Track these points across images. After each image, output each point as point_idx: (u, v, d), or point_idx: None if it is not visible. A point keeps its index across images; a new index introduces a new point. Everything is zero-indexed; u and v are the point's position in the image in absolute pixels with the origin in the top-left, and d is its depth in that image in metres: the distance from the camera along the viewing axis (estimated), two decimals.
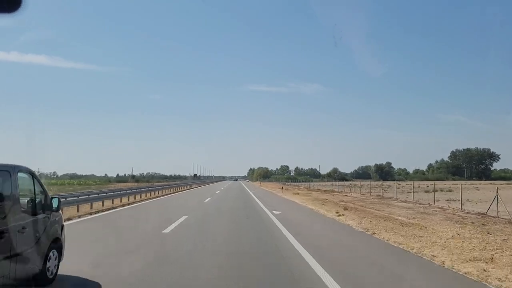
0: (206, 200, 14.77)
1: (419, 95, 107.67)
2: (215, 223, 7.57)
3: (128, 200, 13.49)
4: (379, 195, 17.61)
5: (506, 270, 3.64)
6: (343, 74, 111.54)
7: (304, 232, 6.21)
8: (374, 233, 6.12)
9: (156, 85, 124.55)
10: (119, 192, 13.58)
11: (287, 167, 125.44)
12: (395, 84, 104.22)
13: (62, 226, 3.50)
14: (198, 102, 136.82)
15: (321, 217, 8.85)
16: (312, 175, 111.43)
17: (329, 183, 45.34)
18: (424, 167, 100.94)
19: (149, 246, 4.83)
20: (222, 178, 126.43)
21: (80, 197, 9.70)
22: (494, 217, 9.09)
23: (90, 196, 10.46)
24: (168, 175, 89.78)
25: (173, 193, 21.39)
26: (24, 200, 2.77)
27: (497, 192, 9.64)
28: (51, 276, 3.01)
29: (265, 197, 17.52)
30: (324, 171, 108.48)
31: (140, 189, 17.27)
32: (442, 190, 22.66)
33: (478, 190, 25.43)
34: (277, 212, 9.60)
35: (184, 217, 8.01)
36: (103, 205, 10.94)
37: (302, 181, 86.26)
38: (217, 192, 23.98)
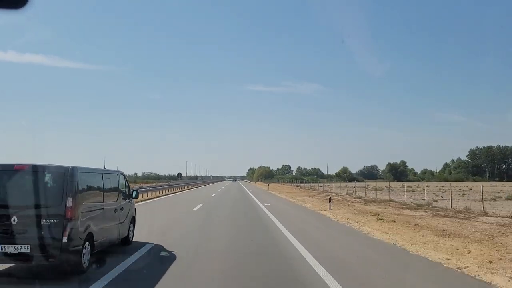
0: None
1: (418, 95, 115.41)
2: None
3: None
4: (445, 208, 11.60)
5: None
6: (343, 73, 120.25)
7: None
8: None
9: (154, 85, 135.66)
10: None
11: (289, 166, 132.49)
12: (395, 84, 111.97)
13: (135, 208, 6.01)
14: (197, 102, 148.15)
15: None
16: (316, 175, 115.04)
17: (341, 184, 43.20)
18: (427, 167, 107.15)
19: None
20: (221, 178, 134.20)
21: None
22: None
23: None
24: (162, 175, 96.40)
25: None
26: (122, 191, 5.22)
27: None
28: (131, 239, 5.58)
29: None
30: (330, 171, 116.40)
31: None
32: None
33: None
34: None
35: None
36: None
37: (308, 182, 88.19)
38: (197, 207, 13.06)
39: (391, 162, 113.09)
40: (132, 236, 5.67)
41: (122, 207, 5.17)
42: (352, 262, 4.68)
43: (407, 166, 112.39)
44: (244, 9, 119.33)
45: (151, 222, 7.67)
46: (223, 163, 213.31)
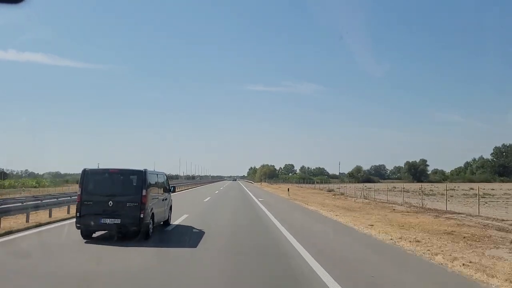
0: None
1: (417, 95, 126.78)
2: None
3: None
4: None
5: None
6: (343, 73, 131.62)
7: None
8: None
9: (154, 84, 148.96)
10: None
11: (292, 166, 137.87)
12: (394, 83, 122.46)
13: (171, 199, 9.14)
14: (197, 102, 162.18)
15: None
16: (321, 174, 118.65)
17: (356, 185, 40.46)
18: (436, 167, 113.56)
19: None
20: (220, 178, 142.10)
21: None
22: None
23: None
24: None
25: None
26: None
27: None
28: (169, 221, 8.92)
29: None
30: (332, 170, 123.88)
31: None
32: None
33: None
34: None
35: None
36: None
37: (318, 182, 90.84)
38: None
39: (410, 161, 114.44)
40: (170, 219, 8.94)
41: (166, 198, 8.45)
42: None
43: (428, 165, 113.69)
44: (244, 9, 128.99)
45: None
46: (222, 163, 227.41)
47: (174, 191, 9.56)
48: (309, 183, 69.87)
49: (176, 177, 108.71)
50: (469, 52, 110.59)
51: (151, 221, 7.19)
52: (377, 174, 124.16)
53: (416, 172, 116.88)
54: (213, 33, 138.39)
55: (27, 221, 9.11)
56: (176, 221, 9.64)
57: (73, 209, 9.51)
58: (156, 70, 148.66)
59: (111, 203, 6.74)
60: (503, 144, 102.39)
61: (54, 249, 6.46)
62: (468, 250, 6.30)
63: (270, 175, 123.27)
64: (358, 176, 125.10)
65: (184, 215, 11.02)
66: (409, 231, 8.45)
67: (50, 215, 10.45)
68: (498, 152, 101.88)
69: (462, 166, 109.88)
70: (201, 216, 11.70)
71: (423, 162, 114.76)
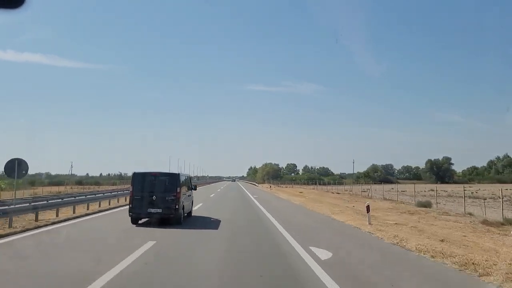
0: None
1: (417, 95, 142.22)
2: None
3: None
4: None
5: None
6: (343, 73, 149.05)
7: None
8: None
9: (154, 84, 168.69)
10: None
11: (294, 165, 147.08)
12: (393, 83, 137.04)
13: (193, 196, 13.68)
14: (196, 102, 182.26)
15: None
16: (325, 174, 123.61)
17: (380, 186, 39.61)
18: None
19: None
20: (219, 179, 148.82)
21: None
22: None
23: None
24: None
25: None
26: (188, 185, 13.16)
27: None
28: (192, 213, 13.41)
29: None
30: (336, 170, 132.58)
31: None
32: None
33: None
34: None
35: None
36: None
37: (329, 183, 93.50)
38: None
39: (432, 159, 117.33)
40: (192, 212, 12.99)
41: (190, 194, 12.48)
42: None
43: (452, 163, 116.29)
44: (244, 9, 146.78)
45: None
46: (221, 163, 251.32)
47: (195, 189, 13.89)
48: (320, 184, 66.65)
49: None
50: (469, 52, 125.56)
51: (182, 211, 11.18)
52: (385, 173, 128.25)
53: (439, 171, 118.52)
54: (213, 33, 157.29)
55: (73, 212, 13.26)
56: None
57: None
58: (155, 70, 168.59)
59: (154, 197, 10.74)
60: None
61: (121, 225, 10.44)
62: None
63: (273, 175, 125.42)
64: (375, 176, 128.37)
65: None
66: None
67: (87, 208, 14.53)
68: None
69: (485, 165, 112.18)
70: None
71: (447, 160, 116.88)
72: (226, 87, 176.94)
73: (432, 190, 32.64)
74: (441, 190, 33.21)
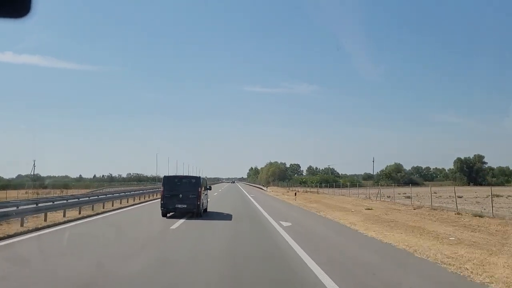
0: None
1: (414, 96, 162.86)
2: None
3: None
4: None
5: None
6: (341, 75, 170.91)
7: None
8: None
9: (151, 85, 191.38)
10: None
11: (298, 166, 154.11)
12: (390, 85, 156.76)
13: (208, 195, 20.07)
14: (195, 102, 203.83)
15: None
16: (331, 174, 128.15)
17: (411, 189, 37.01)
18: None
19: None
20: (218, 180, 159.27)
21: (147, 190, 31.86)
22: None
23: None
24: (149, 176, 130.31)
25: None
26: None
27: None
28: (207, 210, 19.49)
29: None
30: (341, 170, 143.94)
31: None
32: None
33: None
34: None
35: None
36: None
37: (346, 186, 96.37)
38: None
39: (462, 158, 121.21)
40: (207, 208, 18.86)
41: (206, 193, 18.29)
42: None
43: (485, 162, 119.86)
44: (242, 9, 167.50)
45: None
46: (220, 164, 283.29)
47: (210, 189, 19.69)
48: (335, 187, 67.15)
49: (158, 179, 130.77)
50: (465, 53, 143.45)
51: (202, 207, 16.84)
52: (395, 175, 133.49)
53: (471, 171, 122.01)
54: (213, 34, 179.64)
55: (112, 205, 19.12)
56: None
57: None
58: (153, 71, 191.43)
59: (181, 195, 16.37)
60: None
61: (155, 217, 16.15)
62: None
63: (279, 175, 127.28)
64: (398, 176, 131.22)
65: None
66: None
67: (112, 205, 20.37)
68: None
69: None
70: None
71: (479, 158, 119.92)
72: (224, 88, 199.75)
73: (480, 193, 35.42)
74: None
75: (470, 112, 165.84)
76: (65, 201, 18.50)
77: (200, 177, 17.85)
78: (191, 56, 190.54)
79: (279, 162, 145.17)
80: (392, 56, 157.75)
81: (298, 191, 48.31)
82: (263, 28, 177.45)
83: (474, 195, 40.33)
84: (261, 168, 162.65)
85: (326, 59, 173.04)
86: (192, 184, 17.00)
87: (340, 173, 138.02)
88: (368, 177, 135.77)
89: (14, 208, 14.57)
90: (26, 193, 49.87)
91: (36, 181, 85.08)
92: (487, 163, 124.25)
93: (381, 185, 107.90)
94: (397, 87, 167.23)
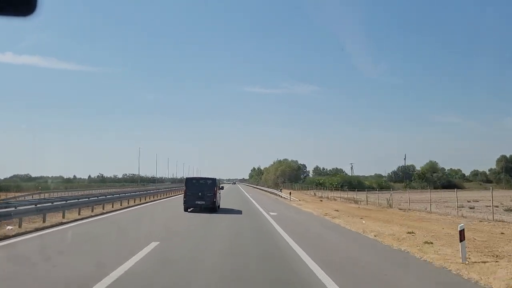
0: None
1: (414, 96, 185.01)
2: None
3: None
4: None
5: None
6: (341, 75, 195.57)
7: None
8: None
9: (150, 85, 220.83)
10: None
11: (304, 166, 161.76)
12: (390, 85, 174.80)
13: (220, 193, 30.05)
14: (194, 103, 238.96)
15: None
16: (336, 175, 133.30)
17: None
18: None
19: None
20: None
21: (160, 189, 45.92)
22: None
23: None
24: (146, 176, 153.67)
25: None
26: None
27: None
28: (220, 206, 28.85)
29: None
30: (349, 171, 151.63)
31: None
32: None
33: None
34: None
35: None
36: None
37: (370, 188, 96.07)
38: None
39: (507, 155, 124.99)
40: (220, 205, 28.28)
41: (219, 192, 27.56)
42: None
43: None
44: (242, 10, 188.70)
45: None
46: (221, 165, 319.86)
47: (222, 188, 28.47)
48: (355, 189, 65.75)
49: (160, 180, 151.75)
50: (465, 53, 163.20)
51: (218, 204, 24.67)
52: (407, 177, 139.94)
53: None
54: (213, 35, 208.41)
55: (135, 202, 27.10)
56: None
57: None
58: (153, 71, 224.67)
59: (200, 194, 24.54)
60: None
61: (179, 210, 23.91)
62: None
63: (291, 176, 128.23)
64: (433, 177, 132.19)
65: None
66: None
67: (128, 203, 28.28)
68: None
69: None
70: None
71: None
72: (224, 88, 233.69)
73: None
74: None
75: (468, 112, 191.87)
76: None
77: (215, 178, 26.94)
78: (191, 56, 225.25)
79: (289, 159, 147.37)
80: (393, 56, 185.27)
81: (334, 200, 48.46)
82: (263, 28, 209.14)
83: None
84: (264, 168, 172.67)
85: (326, 59, 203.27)
86: (209, 184, 25.72)
87: (349, 173, 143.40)
88: (394, 178, 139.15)
89: None
90: None
91: (26, 182, 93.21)
92: None
93: (414, 189, 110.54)
94: (395, 87, 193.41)
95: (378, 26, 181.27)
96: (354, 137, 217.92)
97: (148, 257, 10.41)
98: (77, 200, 24.40)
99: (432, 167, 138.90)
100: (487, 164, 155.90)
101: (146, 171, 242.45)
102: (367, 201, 44.35)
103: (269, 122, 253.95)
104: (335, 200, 51.22)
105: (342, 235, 16.66)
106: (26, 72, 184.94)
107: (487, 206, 31.26)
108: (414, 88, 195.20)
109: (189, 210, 25.20)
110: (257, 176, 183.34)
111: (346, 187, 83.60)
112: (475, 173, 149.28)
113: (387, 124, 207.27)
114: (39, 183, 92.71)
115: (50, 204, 20.24)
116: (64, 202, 21.43)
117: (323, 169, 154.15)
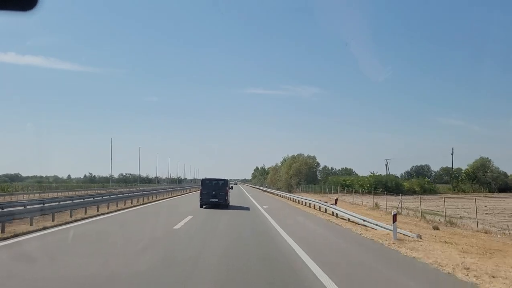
0: None
1: (418, 99, 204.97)
2: None
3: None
4: None
5: None
6: (343, 77, 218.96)
7: None
8: None
9: (152, 87, 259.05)
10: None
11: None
12: (395, 88, 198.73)
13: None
14: (196, 104, 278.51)
15: None
16: (348, 175, 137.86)
17: None
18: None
19: None
20: None
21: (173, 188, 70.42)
22: None
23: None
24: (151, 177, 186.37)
25: None
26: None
27: None
28: (230, 204, 41.64)
29: None
30: (360, 171, 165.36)
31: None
32: None
33: None
34: None
35: None
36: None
37: (413, 191, 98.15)
38: None
39: None
40: (229, 203, 40.81)
41: (229, 191, 40.14)
42: None
43: None
44: (243, 10, 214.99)
45: None
46: (223, 166, 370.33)
47: (231, 188, 42.07)
48: (394, 193, 66.44)
49: (156, 180, 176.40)
50: (467, 56, 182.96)
51: (229, 201, 34.61)
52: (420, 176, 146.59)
53: None
54: (213, 35, 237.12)
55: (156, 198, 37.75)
56: None
57: None
58: (154, 73, 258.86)
59: (214, 192, 35.92)
60: None
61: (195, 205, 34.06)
62: None
63: (308, 176, 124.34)
64: (486, 178, 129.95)
65: None
66: None
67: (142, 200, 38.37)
68: None
69: None
70: None
71: None
72: (226, 90, 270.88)
73: None
74: None
75: (471, 115, 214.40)
76: None
77: (227, 179, 38.99)
78: (193, 57, 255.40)
79: (304, 155, 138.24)
80: (397, 60, 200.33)
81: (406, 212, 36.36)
82: (268, 31, 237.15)
83: None
84: (270, 167, 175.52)
85: (332, 63, 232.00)
86: (221, 184, 37.26)
87: (358, 174, 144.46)
88: (470, 177, 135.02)
89: None
90: None
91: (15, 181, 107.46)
92: None
93: (465, 192, 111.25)
94: (398, 90, 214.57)
95: (385, 30, 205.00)
96: (355, 138, 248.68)
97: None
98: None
99: (483, 165, 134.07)
100: None
101: (148, 172, 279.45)
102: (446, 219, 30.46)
103: (271, 124, 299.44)
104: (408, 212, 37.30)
105: None
106: (30, 72, 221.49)
107: None
108: (418, 91, 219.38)
109: (204, 206, 36.35)
110: (260, 176, 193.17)
111: (381, 189, 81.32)
112: None
113: (393, 127, 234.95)
114: (29, 183, 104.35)
115: None
116: None
117: (332, 168, 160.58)
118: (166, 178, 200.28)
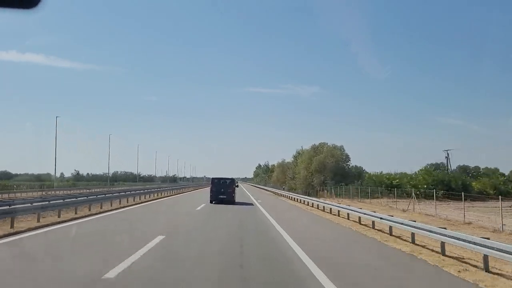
0: None
1: (418, 98, 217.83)
2: None
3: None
4: None
5: None
6: (343, 77, 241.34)
7: None
8: None
9: (152, 87, 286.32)
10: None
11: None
12: (394, 88, 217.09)
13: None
14: (195, 104, 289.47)
15: None
16: (358, 173, 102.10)
17: None
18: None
19: None
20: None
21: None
22: None
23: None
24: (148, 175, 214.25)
25: None
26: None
27: None
28: (236, 201, 59.62)
29: None
30: (371, 168, 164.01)
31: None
32: None
33: None
34: None
35: None
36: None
37: (485, 194, 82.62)
38: None
39: None
40: (235, 200, 58.93)
41: (235, 189, 58.57)
42: None
43: None
44: (243, 10, 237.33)
45: None
46: (223, 165, 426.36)
47: (238, 186, 65.76)
48: (467, 198, 53.86)
49: (149, 179, 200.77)
50: (467, 56, 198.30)
51: (234, 198, 49.11)
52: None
53: None
54: (213, 36, 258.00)
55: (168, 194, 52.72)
56: None
57: None
58: (154, 72, 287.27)
59: (222, 190, 53.72)
60: None
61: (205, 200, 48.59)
62: None
63: (337, 172, 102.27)
64: None
65: None
66: None
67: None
68: None
69: None
70: None
71: None
72: (225, 89, 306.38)
73: None
74: None
75: (470, 114, 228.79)
76: None
77: (233, 178, 56.16)
78: (193, 57, 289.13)
79: (329, 144, 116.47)
80: (396, 59, 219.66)
81: None
82: (269, 30, 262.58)
83: None
84: (276, 164, 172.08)
85: (332, 62, 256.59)
86: (228, 183, 53.82)
87: (369, 171, 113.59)
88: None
89: None
90: None
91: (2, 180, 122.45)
92: None
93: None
94: (398, 89, 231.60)
95: (384, 28, 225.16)
96: (358, 138, 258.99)
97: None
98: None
99: None
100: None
101: (148, 170, 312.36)
102: None
103: (271, 123, 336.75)
104: None
105: None
106: (31, 70, 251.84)
107: None
108: (417, 91, 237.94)
109: (213, 202, 51.28)
110: (264, 175, 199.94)
111: (441, 191, 73.56)
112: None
113: (392, 126, 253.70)
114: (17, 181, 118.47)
115: None
116: None
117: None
118: (160, 176, 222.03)
